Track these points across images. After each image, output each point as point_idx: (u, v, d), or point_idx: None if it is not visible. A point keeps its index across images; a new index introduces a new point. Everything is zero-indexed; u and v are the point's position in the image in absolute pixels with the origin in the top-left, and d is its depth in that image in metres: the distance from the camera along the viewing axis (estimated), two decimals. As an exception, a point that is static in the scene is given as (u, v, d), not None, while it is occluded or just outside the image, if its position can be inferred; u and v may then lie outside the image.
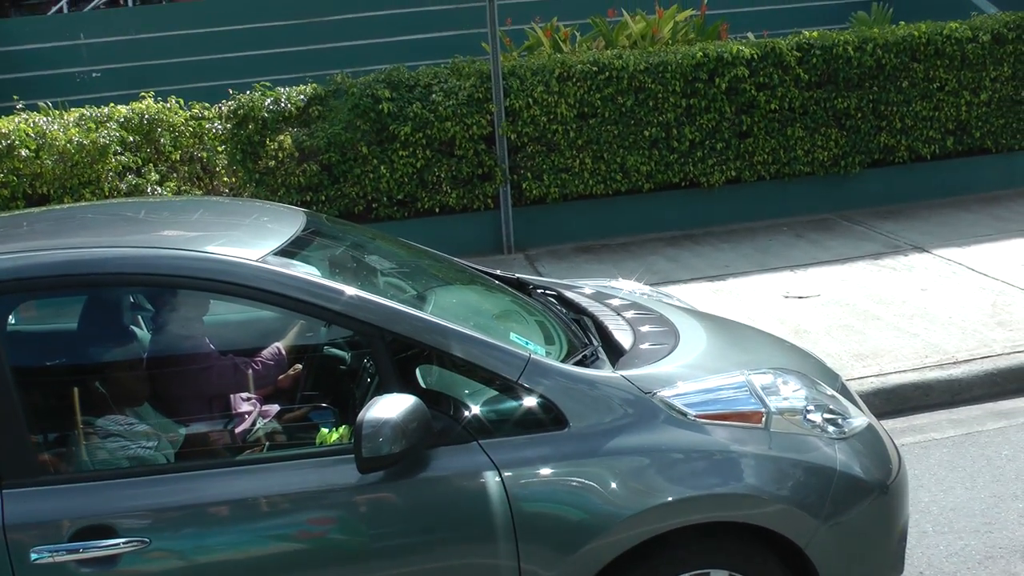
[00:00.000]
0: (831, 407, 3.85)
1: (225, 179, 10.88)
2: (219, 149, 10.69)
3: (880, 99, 10.40)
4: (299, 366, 4.16)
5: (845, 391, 4.22)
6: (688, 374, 3.73)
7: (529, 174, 10.06)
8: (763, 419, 3.61)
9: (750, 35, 11.64)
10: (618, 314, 4.43)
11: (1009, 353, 6.80)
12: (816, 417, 3.73)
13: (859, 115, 10.38)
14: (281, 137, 9.95)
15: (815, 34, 10.27)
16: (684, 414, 3.54)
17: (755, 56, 10.01)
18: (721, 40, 11.26)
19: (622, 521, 3.33)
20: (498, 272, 5.07)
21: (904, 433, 6.09)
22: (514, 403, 3.45)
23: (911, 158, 10.73)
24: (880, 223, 10.20)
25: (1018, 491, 5.28)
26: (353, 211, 10.05)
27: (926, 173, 10.86)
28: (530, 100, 9.87)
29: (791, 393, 3.77)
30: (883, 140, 10.51)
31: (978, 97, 10.66)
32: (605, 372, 3.64)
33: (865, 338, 7.21)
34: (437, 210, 10.13)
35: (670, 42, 11.47)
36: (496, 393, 3.46)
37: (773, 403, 3.67)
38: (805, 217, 10.58)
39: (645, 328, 4.24)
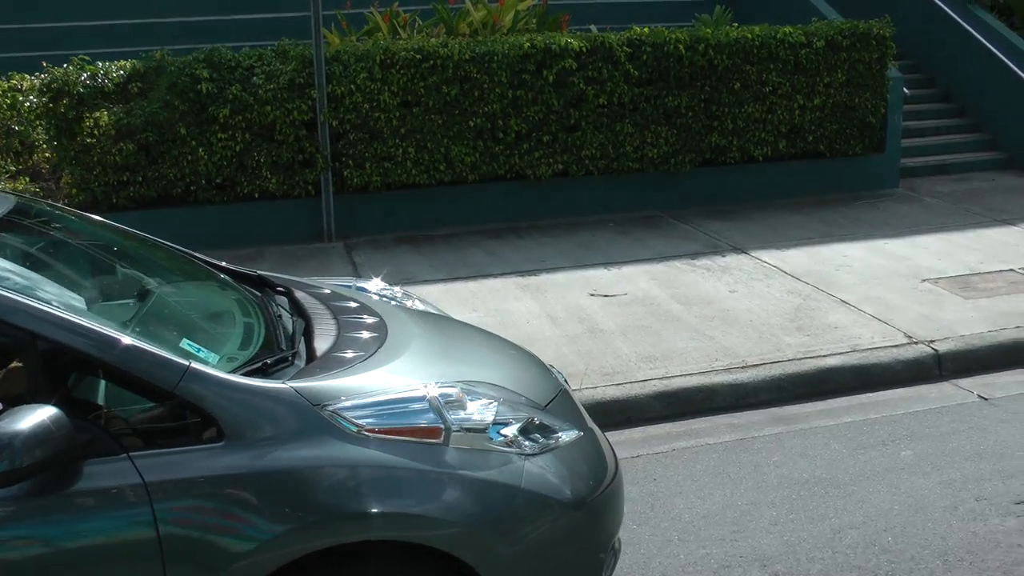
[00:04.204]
0: (534, 420, 3.65)
1: (47, 155, 10.40)
2: (37, 124, 10.19)
3: (712, 99, 10.32)
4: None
5: (565, 401, 4.02)
6: (369, 386, 3.48)
7: (351, 162, 9.74)
8: (442, 435, 3.38)
9: (593, 28, 11.50)
10: (335, 318, 4.17)
11: (800, 358, 6.71)
12: (509, 431, 3.52)
13: (690, 114, 10.28)
14: (97, 114, 9.48)
15: (646, 31, 10.14)
16: (355, 428, 3.30)
17: (584, 49, 9.83)
18: (561, 32, 11.08)
19: (275, 539, 3.10)
20: (224, 264, 4.77)
21: (679, 437, 5.95)
22: (169, 414, 3.20)
23: (743, 159, 10.68)
24: (707, 222, 10.13)
25: (776, 498, 5.16)
26: (171, 193, 9.67)
27: (758, 174, 10.83)
28: (352, 87, 9.55)
29: (479, 407, 3.54)
30: (715, 140, 10.44)
31: (811, 101, 10.65)
32: (273, 383, 3.37)
33: (660, 339, 7.07)
34: (257, 195, 9.75)
35: (510, 31, 11.27)
36: (151, 403, 3.22)
37: (456, 418, 3.45)
38: (634, 213, 10.46)
39: (352, 334, 3.98)
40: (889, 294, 7.93)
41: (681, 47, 9.99)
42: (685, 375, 6.51)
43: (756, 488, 5.30)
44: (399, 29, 11.41)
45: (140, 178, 9.54)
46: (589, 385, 6.37)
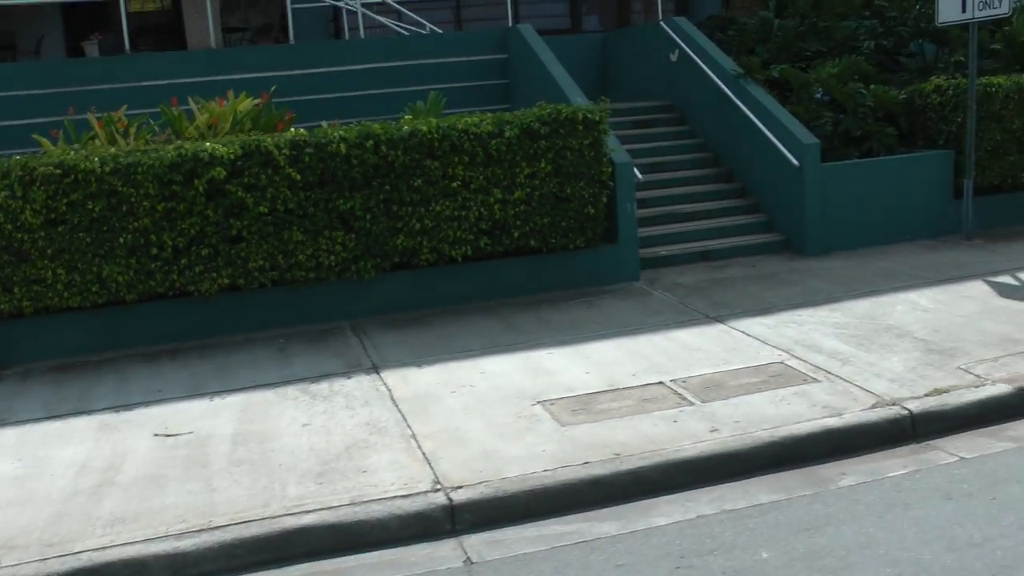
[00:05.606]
0: None
1: None
2: None
3: (393, 199, 9.50)
4: None
5: None
6: None
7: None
8: None
9: (324, 123, 10.77)
10: None
11: (279, 516, 5.80)
12: None
13: (369, 216, 9.46)
14: None
15: (304, 132, 9.40)
16: None
17: (236, 156, 9.12)
18: (278, 131, 10.40)
19: None
20: None
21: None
22: None
23: (441, 260, 9.81)
24: (382, 333, 9.26)
25: None
26: None
27: (459, 276, 9.93)
28: (-8, 206, 8.97)
29: None
30: (402, 242, 9.59)
31: (512, 195, 9.77)
32: None
33: (157, 494, 6.19)
34: (-90, 328, 9.17)
35: (229, 132, 10.63)
36: None
37: None
38: (314, 326, 9.63)
39: None
40: (476, 423, 7.00)
41: (343, 147, 9.22)
42: (128, 544, 5.64)
43: None
44: (116, 135, 10.82)
45: None
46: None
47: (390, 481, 6.18)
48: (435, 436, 6.83)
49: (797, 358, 7.99)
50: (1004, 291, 9.64)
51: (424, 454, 6.54)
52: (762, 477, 6.28)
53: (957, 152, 11.71)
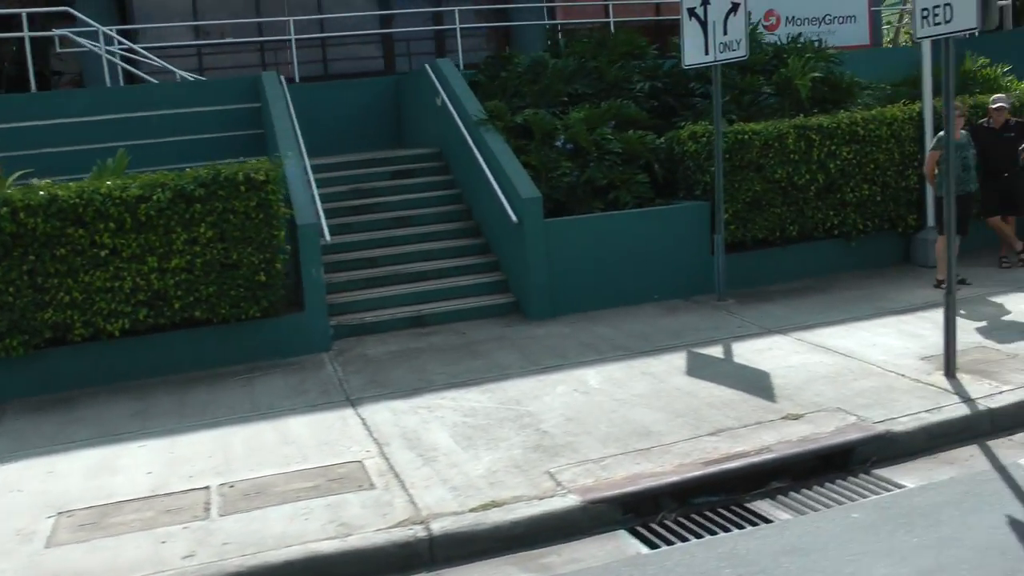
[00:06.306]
0: None
1: None
2: None
3: (37, 270, 9.09)
4: None
5: None
6: None
7: None
8: None
9: (35, 180, 10.42)
10: None
11: None
12: None
13: (12, 289, 9.05)
14: None
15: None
16: None
17: None
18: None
19: None
20: None
21: None
22: None
23: (100, 334, 9.37)
24: (16, 419, 8.78)
25: None
26: None
27: (117, 351, 9.48)
28: None
29: None
30: (51, 316, 9.18)
31: (169, 263, 9.30)
32: None
33: None
34: None
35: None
36: None
37: None
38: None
39: None
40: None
41: (-29, 214, 8.87)
42: None
43: None
44: None
45: None
46: None
47: None
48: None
49: (383, 456, 7.42)
50: (697, 365, 8.92)
51: None
52: (215, 616, 5.76)
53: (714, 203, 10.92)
